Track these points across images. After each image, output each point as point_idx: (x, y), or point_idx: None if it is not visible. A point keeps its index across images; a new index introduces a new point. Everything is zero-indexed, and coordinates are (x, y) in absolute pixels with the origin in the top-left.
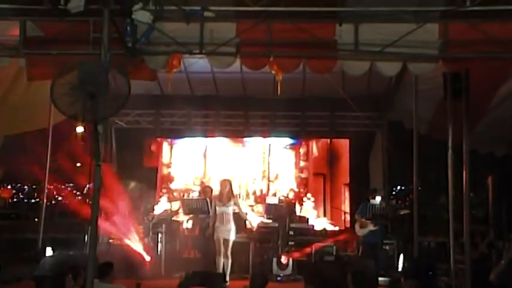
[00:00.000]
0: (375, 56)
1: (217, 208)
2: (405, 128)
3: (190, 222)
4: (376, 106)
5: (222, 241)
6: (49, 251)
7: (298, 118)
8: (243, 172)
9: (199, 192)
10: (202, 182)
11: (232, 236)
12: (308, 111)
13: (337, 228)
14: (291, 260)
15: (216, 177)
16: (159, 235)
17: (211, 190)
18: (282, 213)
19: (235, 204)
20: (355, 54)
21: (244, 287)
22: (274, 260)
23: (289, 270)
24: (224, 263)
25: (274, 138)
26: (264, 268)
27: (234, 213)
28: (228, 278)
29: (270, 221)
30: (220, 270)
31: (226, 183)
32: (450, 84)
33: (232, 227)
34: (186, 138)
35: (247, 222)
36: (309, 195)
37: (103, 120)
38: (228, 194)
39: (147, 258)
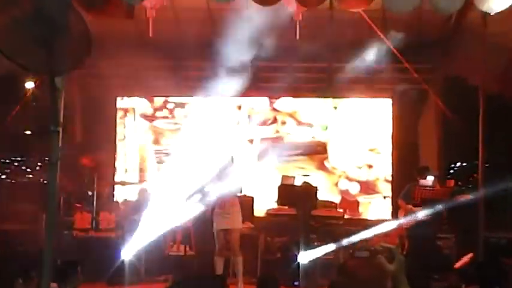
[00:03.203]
0: None
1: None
2: (467, 84)
3: None
4: (428, 56)
5: (223, 233)
6: None
7: (323, 72)
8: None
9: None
10: None
11: (237, 224)
12: (337, 62)
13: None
14: (312, 258)
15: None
16: (138, 225)
17: None
18: (301, 196)
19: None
20: None
21: None
22: (290, 258)
23: (310, 272)
24: (233, 262)
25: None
26: (276, 269)
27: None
28: (241, 284)
29: (285, 206)
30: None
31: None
32: None
33: (238, 212)
34: (175, 98)
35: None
36: None
37: (63, 73)
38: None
39: (123, 255)
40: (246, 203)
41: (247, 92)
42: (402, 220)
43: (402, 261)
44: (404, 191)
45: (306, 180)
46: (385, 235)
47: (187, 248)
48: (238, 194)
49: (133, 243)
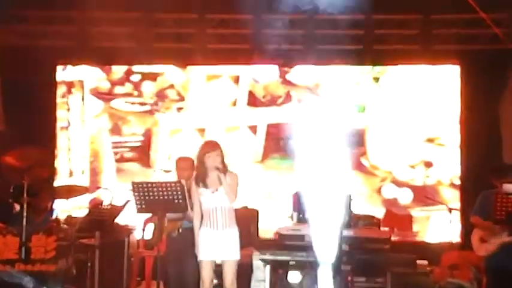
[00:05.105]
0: None
1: (201, 198)
2: None
3: (151, 227)
4: None
5: (211, 265)
6: None
7: (359, 26)
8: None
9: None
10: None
11: (234, 254)
12: (379, 13)
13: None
14: None
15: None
16: (89, 254)
17: (193, 166)
18: (328, 209)
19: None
20: None
21: None
22: None
23: None
24: None
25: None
26: None
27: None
28: None
29: (305, 225)
30: None
31: (214, 148)
32: None
33: (235, 234)
34: (142, 66)
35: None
36: None
37: None
38: (222, 169)
39: None
40: (248, 219)
41: (247, 58)
42: (477, 244)
43: None
44: (479, 202)
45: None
46: (454, 266)
47: (161, 286)
48: (236, 207)
49: (82, 279)
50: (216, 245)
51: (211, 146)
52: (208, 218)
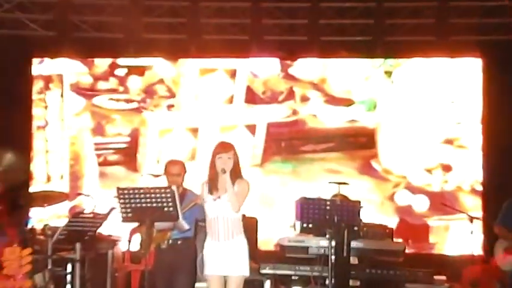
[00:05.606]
0: None
1: (206, 206)
2: None
3: (138, 238)
4: None
5: (219, 281)
6: None
7: (368, 15)
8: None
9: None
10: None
11: (239, 269)
12: (390, 1)
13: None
14: None
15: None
16: (69, 267)
17: (184, 170)
18: (334, 218)
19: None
20: None
21: None
22: None
23: None
24: None
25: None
26: None
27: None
28: None
29: (309, 235)
30: None
31: (226, 150)
32: None
33: (241, 247)
34: (129, 59)
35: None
36: None
37: None
38: (233, 172)
39: None
40: (246, 229)
41: (246, 50)
42: (502, 257)
43: None
44: (504, 210)
45: (342, 193)
46: (476, 282)
47: None
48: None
49: None
50: (219, 259)
51: (224, 147)
52: (210, 228)
